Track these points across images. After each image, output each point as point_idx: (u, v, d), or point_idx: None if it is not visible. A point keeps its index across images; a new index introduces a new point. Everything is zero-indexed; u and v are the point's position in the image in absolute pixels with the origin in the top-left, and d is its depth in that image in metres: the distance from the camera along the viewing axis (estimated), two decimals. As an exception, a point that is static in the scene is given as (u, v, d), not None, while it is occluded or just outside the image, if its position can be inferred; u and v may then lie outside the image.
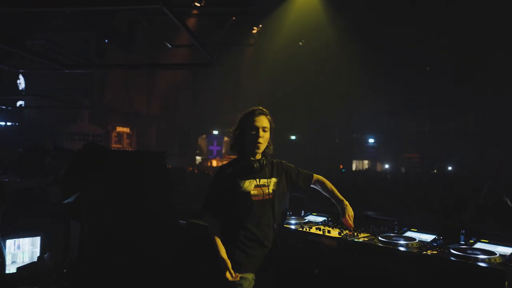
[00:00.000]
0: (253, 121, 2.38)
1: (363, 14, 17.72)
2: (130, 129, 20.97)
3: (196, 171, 15.85)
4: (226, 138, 27.26)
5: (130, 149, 20.56)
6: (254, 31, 18.19)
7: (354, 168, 27.04)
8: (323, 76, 21.63)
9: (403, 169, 25.60)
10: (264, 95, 22.31)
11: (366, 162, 29.48)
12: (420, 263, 2.18)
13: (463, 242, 2.42)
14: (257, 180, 2.35)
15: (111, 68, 10.73)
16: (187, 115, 23.51)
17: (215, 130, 26.08)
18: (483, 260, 2.01)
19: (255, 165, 2.36)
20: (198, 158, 25.67)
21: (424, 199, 8.27)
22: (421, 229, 2.70)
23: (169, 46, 12.17)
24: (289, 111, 23.67)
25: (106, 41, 11.15)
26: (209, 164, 23.43)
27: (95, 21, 9.46)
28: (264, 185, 2.36)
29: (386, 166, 26.07)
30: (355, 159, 28.65)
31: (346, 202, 2.45)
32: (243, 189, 2.32)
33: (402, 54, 22.74)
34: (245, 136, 2.40)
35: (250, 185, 2.34)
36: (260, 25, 18.34)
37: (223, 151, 26.46)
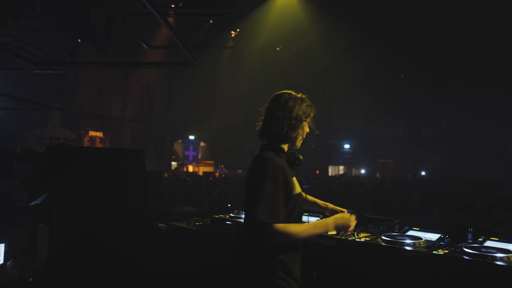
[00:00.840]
0: (310, 114, 2.05)
1: (339, 22, 17.85)
2: (103, 133, 20.33)
3: (174, 176, 15.46)
4: (202, 143, 26.88)
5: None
6: (232, 35, 18.07)
7: (330, 173, 27.16)
8: (301, 81, 21.66)
9: (378, 174, 25.91)
10: (242, 100, 22.16)
11: (341, 167, 29.69)
12: (431, 263, 2.00)
13: (471, 241, 2.27)
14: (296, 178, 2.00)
15: (84, 65, 10.28)
16: (162, 119, 23.04)
17: (191, 135, 25.69)
18: (501, 259, 1.85)
19: (300, 160, 2.07)
20: (174, 163, 25.18)
21: (405, 201, 8.26)
22: (423, 228, 2.53)
23: (146, 47, 11.80)
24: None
25: (79, 41, 10.71)
26: (185, 169, 23.00)
27: (67, 19, 9.05)
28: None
29: (362, 171, 26.28)
30: (331, 164, 28.80)
31: (332, 205, 2.27)
32: (296, 189, 1.94)
33: (377, 61, 23.10)
34: (296, 127, 2.01)
35: (297, 184, 1.97)
36: (238, 29, 18.22)
37: (199, 156, 26.07)
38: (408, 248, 2.13)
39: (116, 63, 9.73)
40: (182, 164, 24.42)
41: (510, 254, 1.87)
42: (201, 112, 24.05)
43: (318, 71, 21.11)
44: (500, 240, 2.21)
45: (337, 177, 20.35)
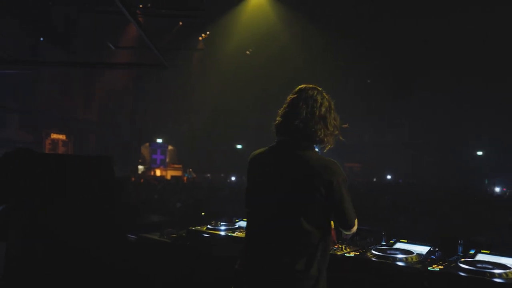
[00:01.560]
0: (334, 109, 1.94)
1: (309, 27, 17.95)
2: (66, 137, 19.49)
3: (141, 180, 14.99)
4: (170, 147, 26.36)
5: (65, 157, 19.09)
6: (202, 38, 17.80)
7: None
8: (271, 85, 21.65)
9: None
10: (211, 104, 21.89)
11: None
12: (426, 280, 1.90)
13: (462, 254, 2.20)
14: None
15: (46, 64, 9.78)
16: (129, 122, 22.39)
17: (159, 138, 25.14)
18: (500, 276, 1.77)
19: None
20: (141, 167, 24.53)
21: (373, 208, 8.29)
22: (411, 240, 2.44)
23: (112, 47, 11.38)
24: (236, 120, 23.43)
25: (42, 39, 10.17)
26: (152, 173, 22.43)
27: (29, 17, 8.60)
28: None
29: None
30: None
31: None
32: None
33: (345, 66, 23.46)
34: (329, 123, 1.88)
35: None
36: (208, 32, 17.98)
37: (167, 160, 25.54)
38: (400, 263, 2.03)
39: (82, 63, 9.28)
40: (150, 168, 23.82)
41: (508, 270, 1.80)
42: (169, 115, 23.58)
43: (288, 75, 21.17)
44: (492, 253, 2.15)
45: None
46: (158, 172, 22.43)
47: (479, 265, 1.88)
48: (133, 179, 15.81)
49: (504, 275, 1.78)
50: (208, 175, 24.13)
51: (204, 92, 21.81)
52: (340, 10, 17.21)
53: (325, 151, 1.93)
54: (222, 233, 2.80)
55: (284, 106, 1.90)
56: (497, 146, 22.60)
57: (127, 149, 22.38)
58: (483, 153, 25.29)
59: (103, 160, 3.69)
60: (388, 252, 2.16)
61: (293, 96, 1.88)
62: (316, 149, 1.87)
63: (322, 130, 1.84)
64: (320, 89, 1.92)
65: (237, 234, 2.75)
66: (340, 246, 2.36)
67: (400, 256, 2.08)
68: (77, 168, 3.53)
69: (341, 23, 18.37)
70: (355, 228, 1.88)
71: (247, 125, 24.07)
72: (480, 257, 2.12)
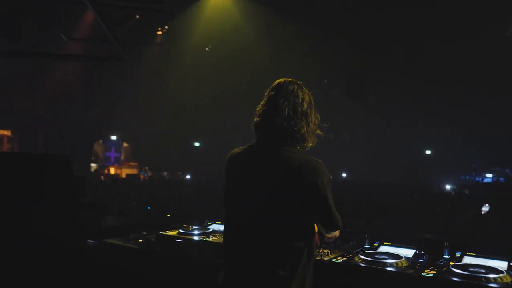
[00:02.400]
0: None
1: (272, 22, 17.91)
2: (11, 132, 18.27)
3: (102, 178, 14.35)
4: (125, 144, 25.49)
5: (11, 155, 17.89)
6: (160, 33, 17.27)
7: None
8: (231, 82, 21.46)
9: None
10: (169, 100, 21.35)
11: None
12: (419, 286, 1.83)
13: (449, 257, 2.16)
14: None
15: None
16: (80, 117, 21.32)
17: (113, 135, 24.21)
18: (495, 280, 1.73)
19: None
20: (93, 165, 23.52)
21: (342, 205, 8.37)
22: (395, 243, 2.38)
23: (64, 38, 10.73)
24: (195, 117, 23.03)
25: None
26: (106, 171, 21.57)
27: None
28: None
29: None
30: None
31: None
32: None
33: (305, 65, 23.73)
34: (311, 121, 1.80)
35: None
36: (166, 27, 17.50)
37: (122, 157, 24.67)
38: (390, 269, 1.95)
39: (32, 53, 8.63)
40: (103, 166, 22.90)
41: (502, 275, 1.77)
42: (124, 111, 22.74)
43: (249, 72, 21.08)
44: (477, 255, 2.13)
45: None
46: (112, 171, 21.63)
47: (471, 269, 1.83)
48: (102, 178, 15.13)
49: (499, 279, 1.74)
50: (165, 173, 23.59)
51: (161, 88, 21.25)
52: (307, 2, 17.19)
53: (307, 149, 1.83)
54: (196, 237, 2.61)
55: (262, 103, 1.79)
56: (445, 145, 23.82)
57: (78, 146, 21.35)
58: (431, 152, 26.62)
59: (61, 160, 3.38)
60: (376, 256, 2.08)
61: (272, 92, 1.76)
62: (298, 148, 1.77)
63: (305, 127, 1.75)
64: (300, 83, 1.82)
65: (212, 238, 2.58)
66: (324, 250, 2.25)
67: (390, 261, 2.00)
68: (29, 168, 3.21)
69: (306, 16, 18.34)
70: (337, 232, 1.83)
71: (205, 122, 23.76)
72: (468, 260, 2.10)
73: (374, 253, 2.16)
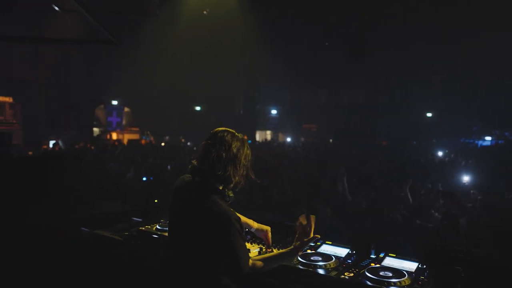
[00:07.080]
0: (247, 148, 2.17)
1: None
2: (13, 99, 18.58)
3: (92, 147, 14.61)
4: (126, 109, 25.78)
5: (14, 121, 18.28)
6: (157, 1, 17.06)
7: (257, 138, 27.71)
8: (229, 47, 21.35)
9: (302, 139, 27.03)
10: (169, 65, 21.37)
11: (268, 132, 30.43)
12: (337, 288, 2.19)
13: (374, 257, 2.47)
14: None
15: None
16: (81, 83, 21.49)
17: (114, 100, 24.45)
18: (394, 284, 2.10)
19: (231, 198, 2.17)
20: (96, 130, 23.96)
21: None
22: (335, 242, 2.64)
23: (57, 9, 10.76)
24: (194, 82, 23.12)
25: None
26: (108, 137, 22.02)
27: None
28: None
29: (288, 139, 27.05)
30: (258, 129, 29.37)
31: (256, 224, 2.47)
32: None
33: (306, 28, 23.45)
34: (238, 165, 2.10)
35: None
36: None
37: (124, 122, 25.05)
38: (320, 271, 2.27)
39: (19, 37, 8.66)
40: (105, 131, 23.32)
41: (402, 279, 2.14)
42: (124, 76, 22.82)
43: (243, 37, 20.94)
44: (397, 256, 2.44)
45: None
46: (114, 136, 22.06)
47: (381, 273, 2.20)
48: (88, 145, 15.52)
49: (399, 283, 2.10)
50: (167, 137, 23.99)
51: (161, 53, 21.21)
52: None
53: (237, 190, 2.17)
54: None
55: (197, 152, 2.14)
56: (445, 108, 23.82)
57: (80, 112, 21.69)
58: (432, 114, 26.64)
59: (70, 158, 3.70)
60: (311, 258, 2.36)
61: (207, 141, 2.11)
62: (227, 189, 2.13)
63: (231, 171, 2.07)
64: (233, 131, 2.15)
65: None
66: (274, 249, 2.53)
67: (321, 263, 2.29)
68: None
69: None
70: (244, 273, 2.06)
71: (206, 86, 23.84)
72: (387, 261, 2.39)
73: (311, 254, 2.45)
